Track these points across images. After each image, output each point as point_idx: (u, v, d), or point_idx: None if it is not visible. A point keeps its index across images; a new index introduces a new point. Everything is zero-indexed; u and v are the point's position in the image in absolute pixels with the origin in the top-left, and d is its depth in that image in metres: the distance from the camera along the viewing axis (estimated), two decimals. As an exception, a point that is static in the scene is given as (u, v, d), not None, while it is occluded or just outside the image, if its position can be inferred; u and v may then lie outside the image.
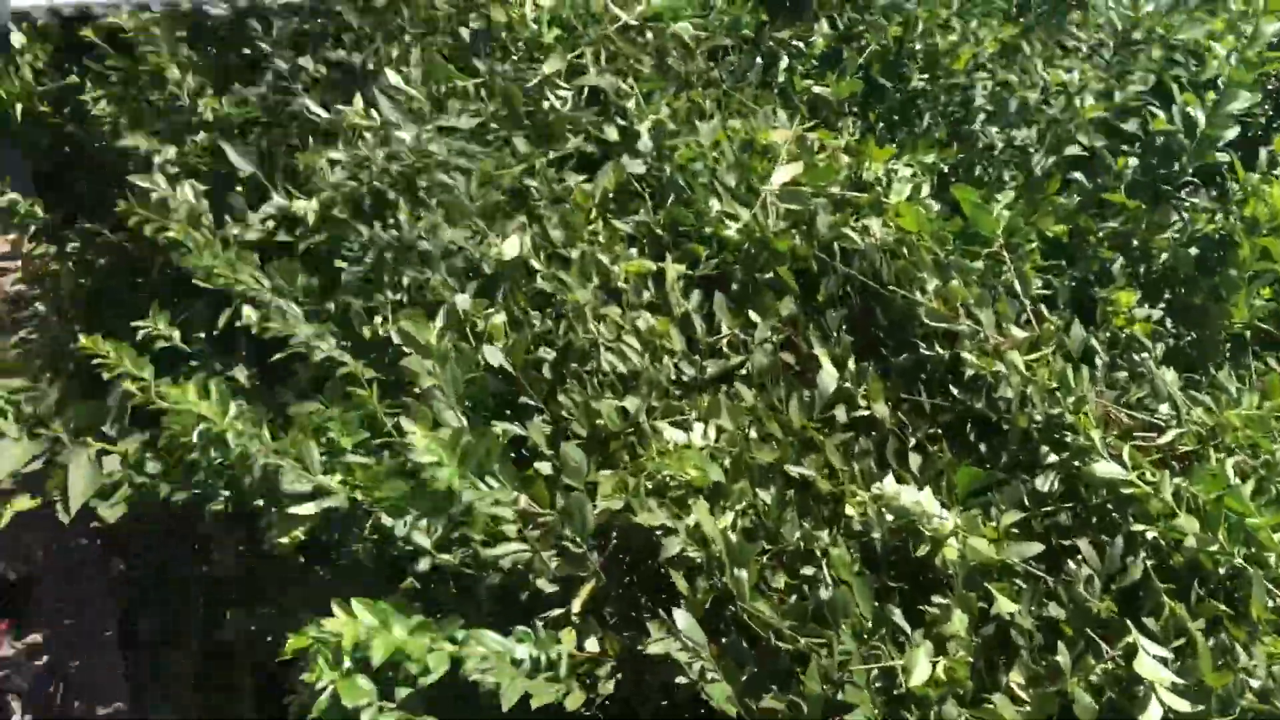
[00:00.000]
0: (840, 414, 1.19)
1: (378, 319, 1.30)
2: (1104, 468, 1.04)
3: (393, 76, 1.62)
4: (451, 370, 1.07)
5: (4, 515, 1.51)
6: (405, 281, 1.32)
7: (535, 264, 1.28)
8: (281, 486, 1.01)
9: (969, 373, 1.17)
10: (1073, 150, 1.55)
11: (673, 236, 1.43)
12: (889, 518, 1.04)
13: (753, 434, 1.19)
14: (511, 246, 1.24)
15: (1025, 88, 1.61)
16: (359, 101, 1.59)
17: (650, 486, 1.07)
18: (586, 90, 1.67)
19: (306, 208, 1.44)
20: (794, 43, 1.88)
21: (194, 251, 1.29)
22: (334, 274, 1.40)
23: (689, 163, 1.54)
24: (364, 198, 1.34)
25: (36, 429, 1.52)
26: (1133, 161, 1.43)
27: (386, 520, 1.03)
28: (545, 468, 1.15)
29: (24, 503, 1.54)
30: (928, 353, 1.22)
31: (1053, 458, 1.12)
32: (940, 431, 1.18)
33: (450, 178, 1.27)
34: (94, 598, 1.98)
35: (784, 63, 1.84)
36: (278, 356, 1.23)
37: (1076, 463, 1.08)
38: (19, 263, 2.18)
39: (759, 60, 1.86)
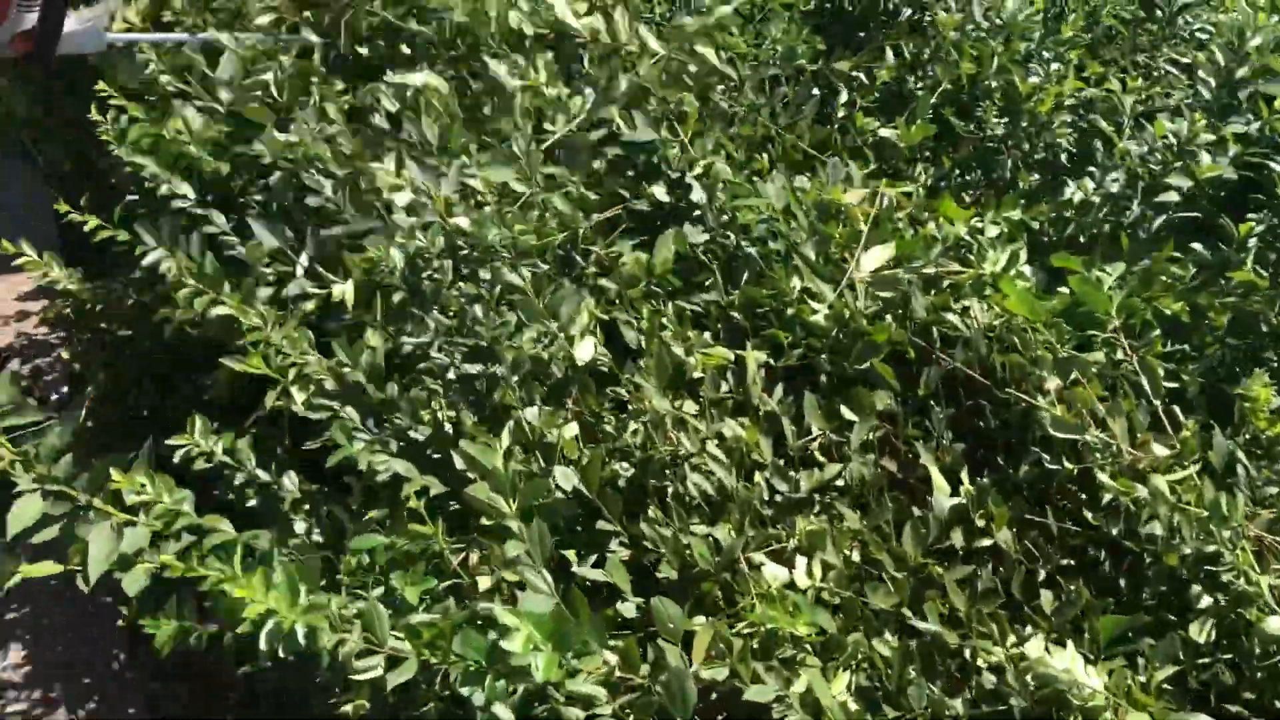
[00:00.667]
0: (957, 538, 1.05)
1: (436, 409, 1.16)
2: (1276, 624, 0.91)
3: (427, 129, 1.46)
4: (536, 530, 0.93)
5: (11, 578, 1.35)
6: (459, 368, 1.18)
7: (606, 360, 1.14)
8: (349, 664, 0.87)
9: (1105, 496, 1.03)
10: (1179, 202, 1.41)
11: (749, 318, 1.28)
12: (1031, 685, 0.91)
13: (857, 556, 1.05)
14: (586, 349, 1.09)
15: (1117, 131, 1.47)
16: (390, 161, 1.44)
17: (755, 646, 0.94)
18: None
19: (344, 291, 1.29)
20: (855, 75, 1.72)
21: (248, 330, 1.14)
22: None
23: (754, 224, 1.40)
24: (416, 285, 1.19)
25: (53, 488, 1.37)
26: (1258, 227, 1.29)
27: (462, 686, 0.90)
28: (629, 609, 1.01)
29: (44, 568, 1.37)
30: (1053, 467, 1.08)
31: (1207, 600, 0.98)
32: (1072, 563, 1.04)
33: (519, 275, 1.12)
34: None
35: (843, 97, 1.68)
36: (328, 463, 1.09)
37: (1238, 610, 0.95)
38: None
39: (815, 93, 1.71)
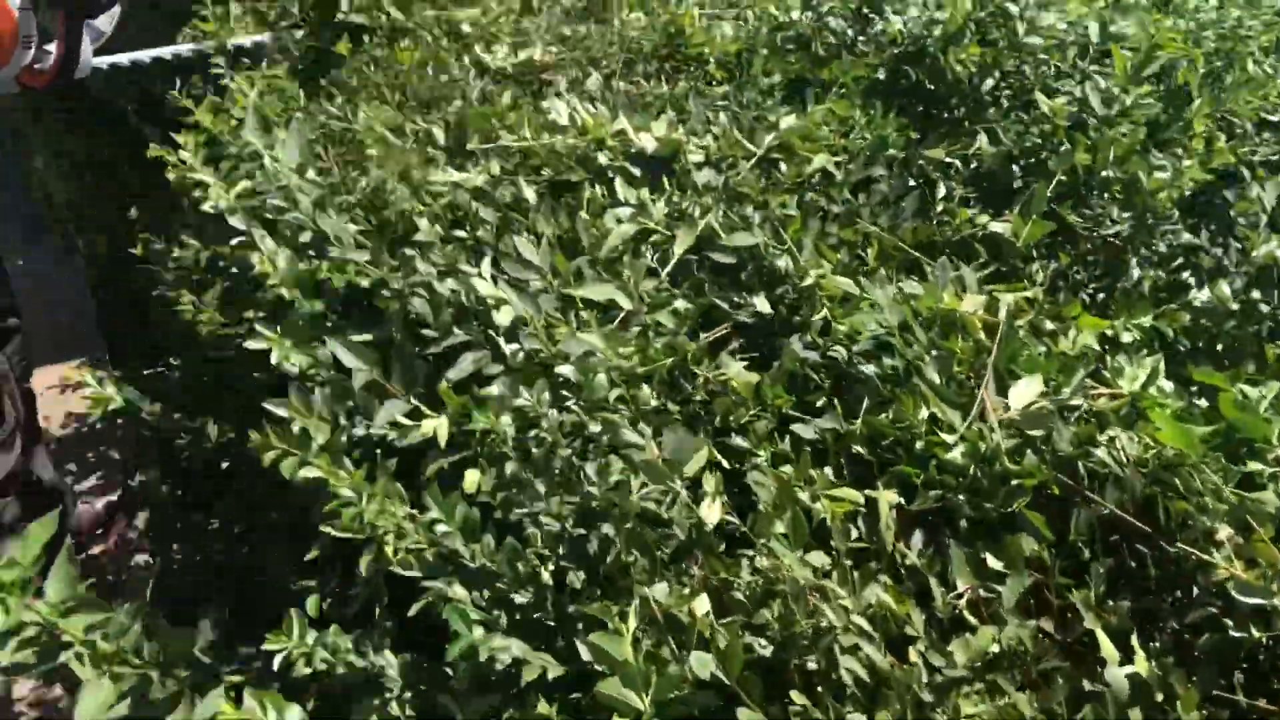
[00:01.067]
0: (1136, 717, 0.95)
1: (541, 569, 1.07)
2: None
3: (523, 247, 1.39)
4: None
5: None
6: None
7: (731, 517, 1.05)
8: None
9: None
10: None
11: (872, 450, 1.19)
12: None
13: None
14: (714, 513, 1.00)
15: (1253, 229, 1.37)
16: (486, 266, 1.36)
17: None
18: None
19: (436, 426, 1.21)
20: (950, 161, 1.63)
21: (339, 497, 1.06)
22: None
23: (864, 336, 1.31)
24: (523, 447, 1.11)
25: (119, 668, 1.29)
26: None
27: None
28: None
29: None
30: (1238, 634, 0.98)
31: None
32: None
33: (637, 433, 1.04)
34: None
35: (941, 189, 1.59)
36: (448, 656, 1.00)
37: None
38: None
39: (911, 184, 1.62)
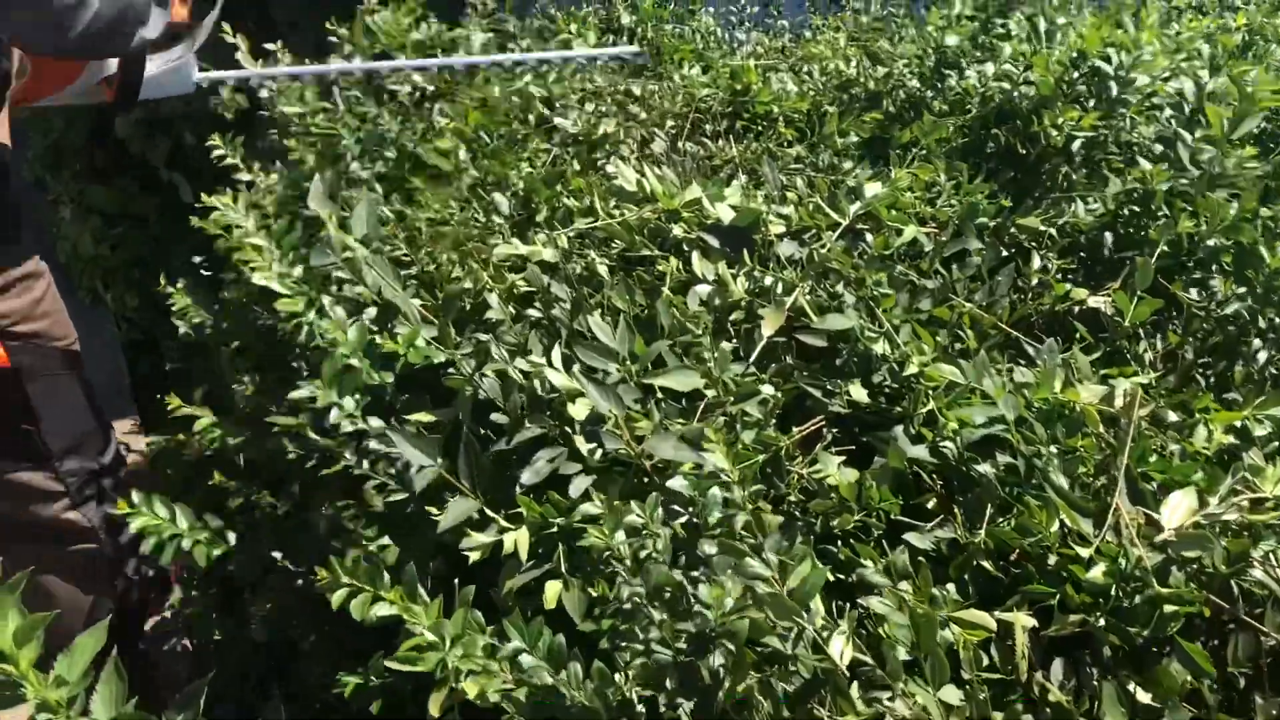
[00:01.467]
0: None
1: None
2: None
3: (598, 329, 1.30)
4: None
5: None
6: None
7: (864, 656, 0.94)
8: None
9: None
10: None
11: (995, 563, 1.09)
12: None
13: None
14: (845, 654, 0.90)
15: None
16: (558, 355, 1.27)
17: None
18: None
19: (516, 539, 1.11)
20: (1046, 230, 1.54)
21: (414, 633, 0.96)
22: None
23: (973, 428, 1.21)
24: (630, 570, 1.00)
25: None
26: None
27: None
28: None
29: None
30: None
31: None
32: None
33: (761, 562, 0.93)
34: None
35: (1036, 260, 1.50)
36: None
37: None
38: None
39: (1004, 255, 1.52)
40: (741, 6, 2.52)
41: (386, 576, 1.00)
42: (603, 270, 1.47)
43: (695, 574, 0.95)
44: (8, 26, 1.36)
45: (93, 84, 1.66)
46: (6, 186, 1.53)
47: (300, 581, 1.67)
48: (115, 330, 2.97)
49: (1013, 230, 1.54)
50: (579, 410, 1.23)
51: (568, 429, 1.24)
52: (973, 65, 1.82)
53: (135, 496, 1.52)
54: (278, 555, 1.53)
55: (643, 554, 0.97)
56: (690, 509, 1.02)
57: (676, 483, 1.03)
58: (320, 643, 1.54)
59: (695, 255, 1.44)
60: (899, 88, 1.87)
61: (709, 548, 0.95)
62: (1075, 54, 1.63)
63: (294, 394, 1.24)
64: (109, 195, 3.20)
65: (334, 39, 2.18)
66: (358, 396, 1.26)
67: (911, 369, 1.24)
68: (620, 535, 0.97)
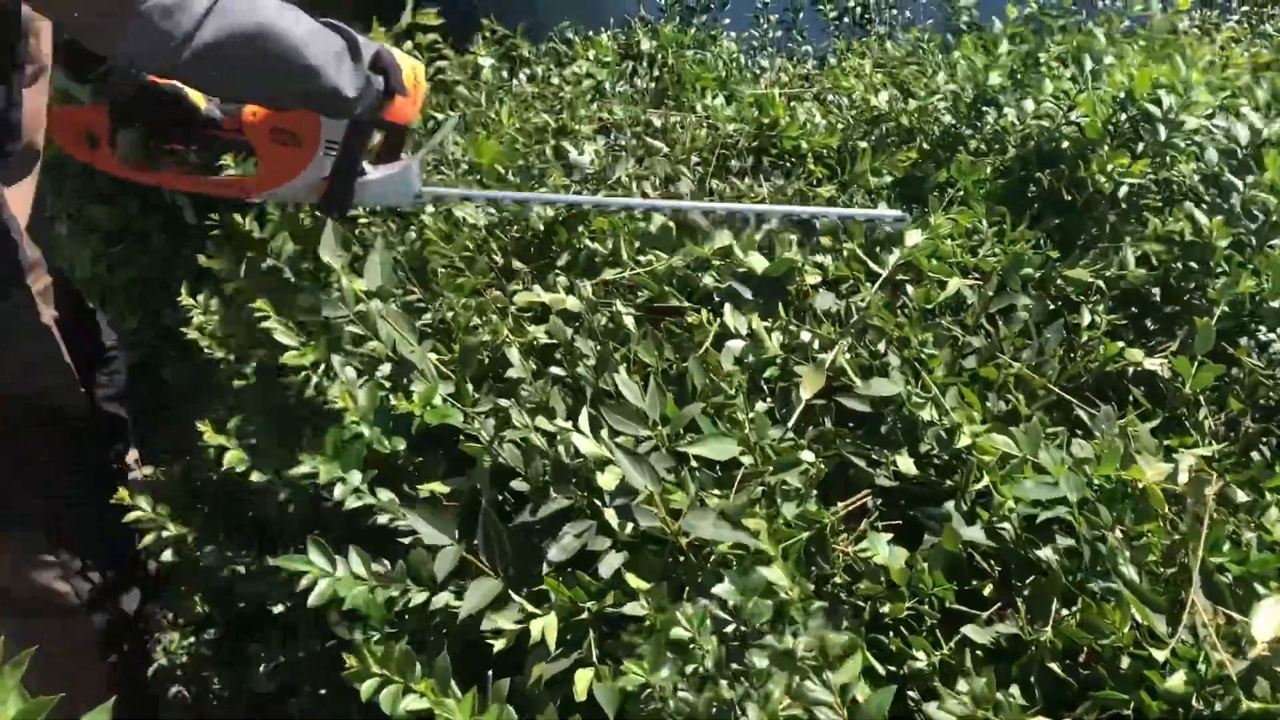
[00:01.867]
0: None
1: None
2: None
3: (626, 388, 1.22)
4: None
5: None
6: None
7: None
8: None
9: None
10: None
11: (1061, 663, 1.01)
12: None
13: None
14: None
15: None
16: (585, 419, 1.19)
17: None
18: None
19: (544, 627, 1.03)
20: (1095, 283, 1.46)
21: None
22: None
23: (1023, 502, 1.13)
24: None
25: None
26: None
27: None
28: None
29: None
30: None
31: None
32: None
33: (823, 683, 0.85)
34: None
35: (1086, 316, 1.42)
36: None
37: None
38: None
39: (1051, 308, 1.45)
40: (764, 31, 2.45)
41: (419, 667, 0.92)
42: (629, 322, 1.39)
43: (744, 686, 0.87)
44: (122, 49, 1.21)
45: (314, 181, 1.45)
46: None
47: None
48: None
49: (1059, 282, 1.46)
50: (608, 480, 1.15)
51: (596, 500, 1.16)
52: (1012, 101, 1.75)
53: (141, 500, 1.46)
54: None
55: (689, 669, 0.89)
56: (737, 613, 0.94)
57: (723, 589, 0.95)
58: (329, 697, 1.47)
59: (728, 308, 1.37)
60: (934, 123, 1.80)
61: (759, 660, 0.87)
62: (1123, 94, 1.55)
63: (295, 470, 1.16)
64: (110, 214, 3.12)
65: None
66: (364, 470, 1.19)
67: (963, 441, 1.16)
68: (665, 672, 0.89)
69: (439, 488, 1.27)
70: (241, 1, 1.19)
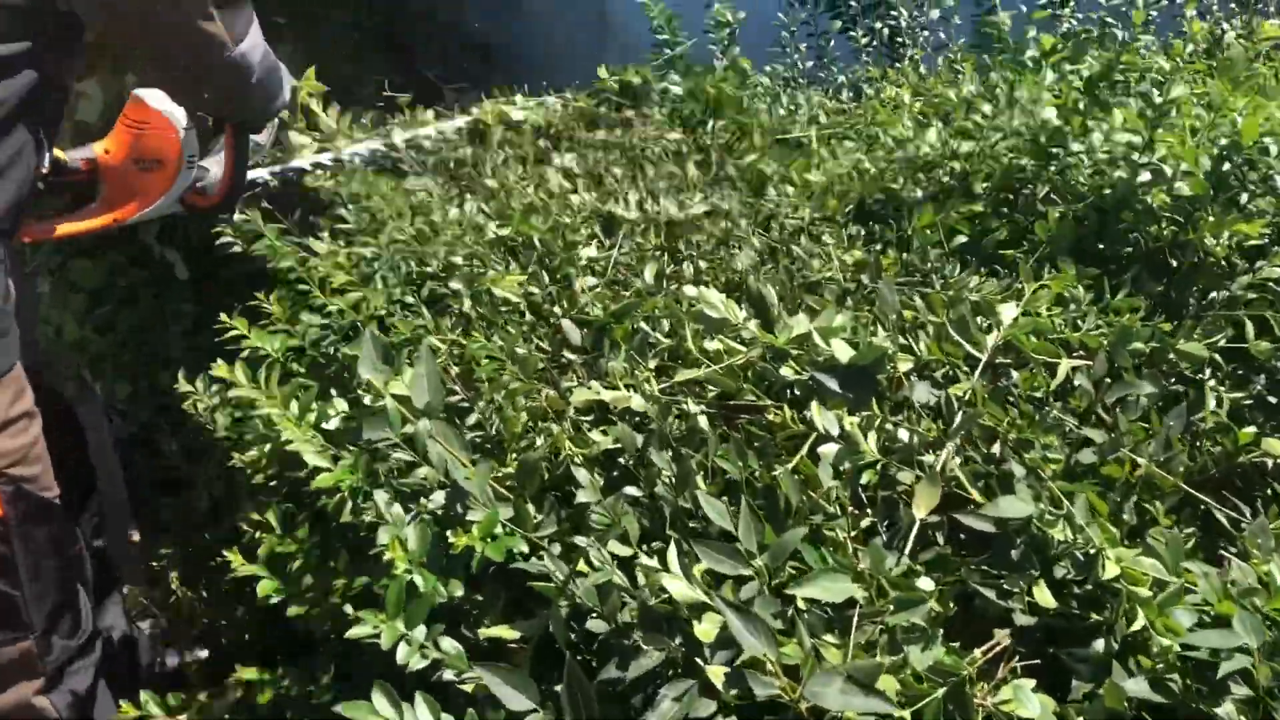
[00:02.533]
0: None
1: None
2: None
3: (711, 508, 1.07)
4: None
5: None
6: None
7: None
8: None
9: None
10: None
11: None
12: None
13: None
14: None
15: None
16: (673, 557, 1.04)
17: None
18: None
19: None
20: (1214, 357, 1.32)
21: None
22: None
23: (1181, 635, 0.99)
24: None
25: None
26: None
27: None
28: None
29: None
30: None
31: None
32: None
33: None
34: None
35: (1211, 399, 1.28)
36: None
37: None
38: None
39: (1167, 388, 1.31)
40: (791, 64, 2.30)
41: None
42: (704, 424, 1.24)
43: None
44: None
45: (177, 196, 1.64)
46: None
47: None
48: (105, 424, 2.68)
49: (1171, 357, 1.32)
50: (707, 630, 1.00)
51: (692, 651, 1.01)
52: (1078, 138, 1.60)
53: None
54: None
55: None
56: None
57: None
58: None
59: (814, 407, 1.22)
60: (994, 171, 1.65)
61: None
62: (1225, 140, 1.41)
63: (353, 632, 1.01)
64: (93, 269, 2.94)
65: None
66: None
67: (1109, 571, 1.01)
68: None
69: (505, 633, 1.12)
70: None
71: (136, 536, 2.39)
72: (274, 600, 1.28)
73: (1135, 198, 1.42)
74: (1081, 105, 1.55)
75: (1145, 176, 1.48)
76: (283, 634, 1.46)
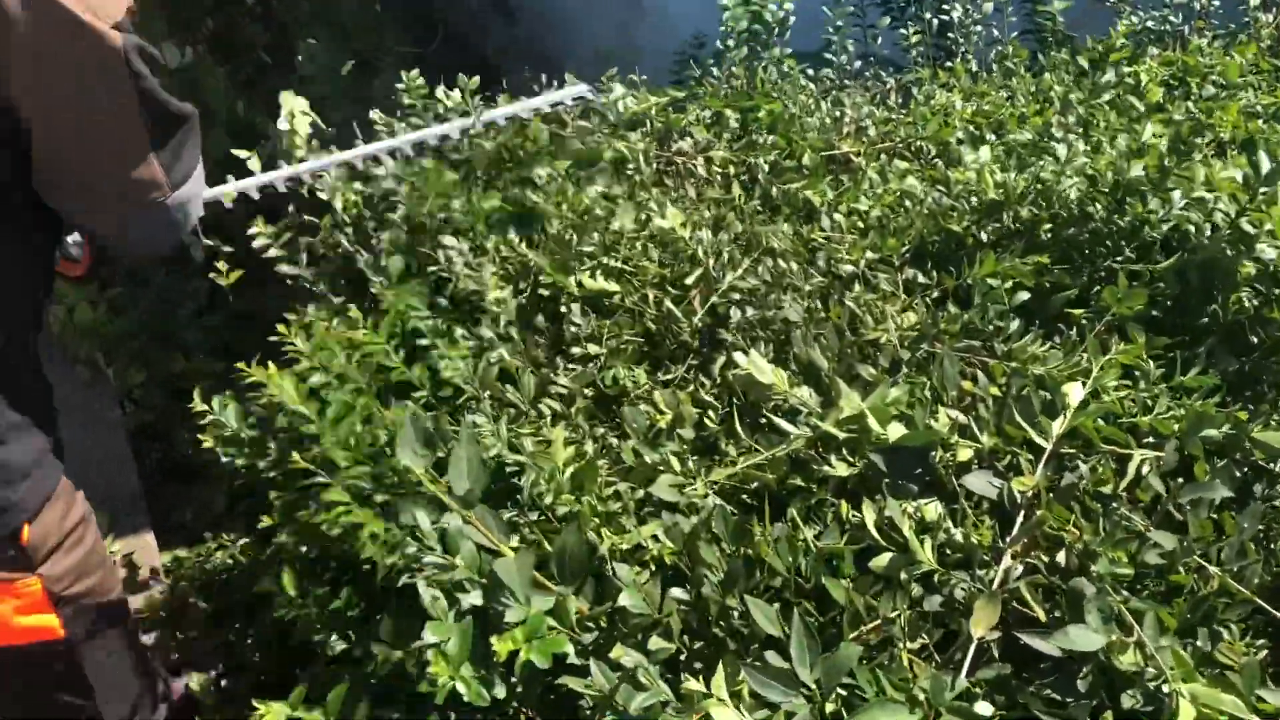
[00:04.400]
0: None
1: None
2: None
3: (764, 619, 1.02)
4: None
5: None
6: None
7: None
8: None
9: None
10: None
11: None
12: None
13: None
14: None
15: None
16: (720, 684, 0.99)
17: None
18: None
19: None
20: (1287, 450, 1.25)
21: None
22: None
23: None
24: None
25: None
26: None
27: None
28: None
29: None
30: None
31: None
32: None
33: None
34: None
35: (1285, 492, 1.21)
36: None
37: None
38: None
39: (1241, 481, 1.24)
40: (839, 66, 2.18)
41: None
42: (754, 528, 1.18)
43: None
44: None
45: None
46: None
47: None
48: (119, 412, 2.64)
49: (1247, 447, 1.25)
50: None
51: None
52: (1155, 195, 1.51)
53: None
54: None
55: None
56: None
57: None
58: None
59: (865, 507, 1.16)
60: (1062, 219, 1.56)
61: None
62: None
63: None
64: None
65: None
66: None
67: (1184, 714, 0.96)
68: None
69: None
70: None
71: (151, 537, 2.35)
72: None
73: (1219, 263, 1.33)
74: (1166, 163, 1.45)
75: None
76: (296, 650, 1.43)
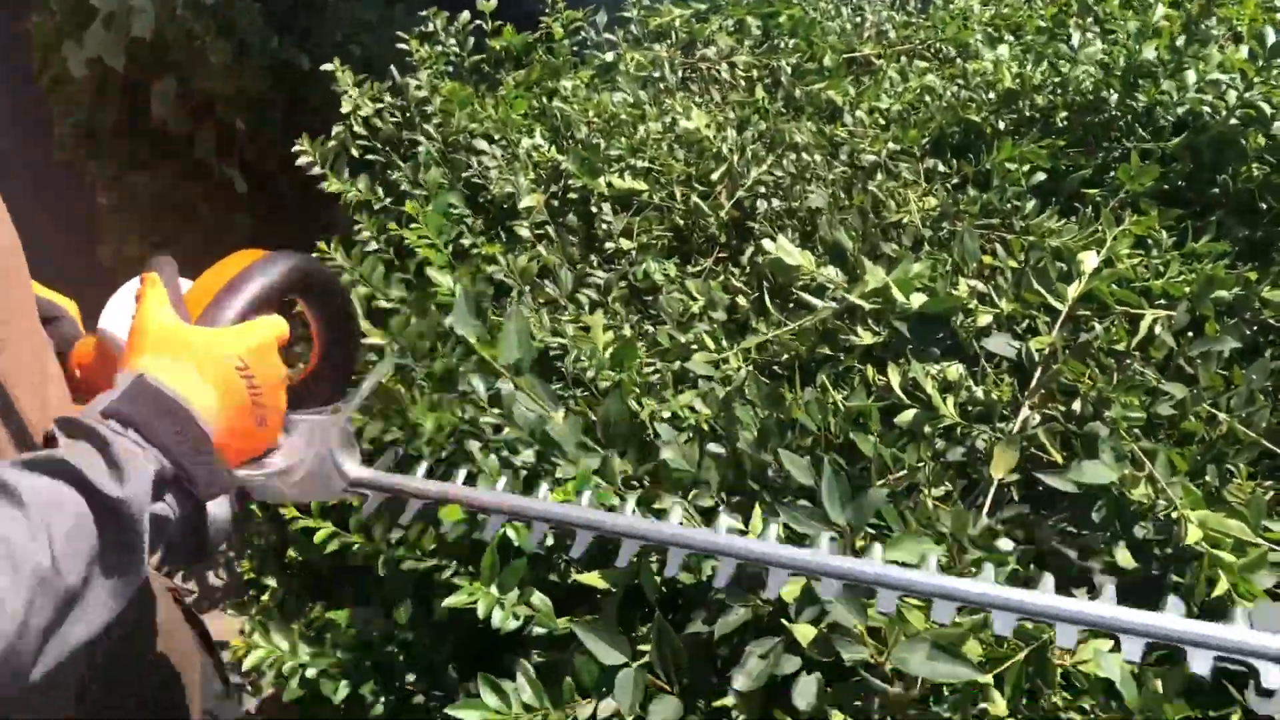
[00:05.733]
0: None
1: None
2: None
3: (795, 469, 1.09)
4: None
5: None
6: None
7: None
8: None
9: None
10: None
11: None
12: None
13: None
14: None
15: None
16: (757, 520, 1.07)
17: None
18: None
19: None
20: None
21: None
22: None
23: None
24: None
25: None
26: None
27: None
28: None
29: None
30: None
31: None
32: None
33: None
34: None
35: (1294, 348, 1.27)
36: None
37: None
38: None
39: (1251, 338, 1.29)
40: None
41: None
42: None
43: None
44: None
45: None
46: None
47: None
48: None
49: (1256, 306, 1.31)
50: (790, 590, 1.04)
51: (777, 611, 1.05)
52: (1168, 78, 1.55)
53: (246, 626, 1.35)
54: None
55: None
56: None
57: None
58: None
59: (892, 371, 1.23)
60: (1077, 105, 1.60)
61: None
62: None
63: (448, 602, 1.05)
64: (150, 181, 2.95)
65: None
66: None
67: (1191, 535, 1.03)
68: None
69: (596, 581, 1.17)
70: None
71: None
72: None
73: (1230, 139, 1.37)
74: (1180, 42, 1.49)
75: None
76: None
